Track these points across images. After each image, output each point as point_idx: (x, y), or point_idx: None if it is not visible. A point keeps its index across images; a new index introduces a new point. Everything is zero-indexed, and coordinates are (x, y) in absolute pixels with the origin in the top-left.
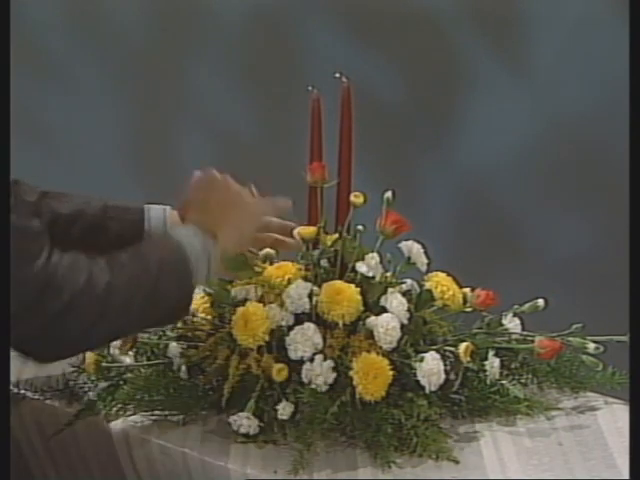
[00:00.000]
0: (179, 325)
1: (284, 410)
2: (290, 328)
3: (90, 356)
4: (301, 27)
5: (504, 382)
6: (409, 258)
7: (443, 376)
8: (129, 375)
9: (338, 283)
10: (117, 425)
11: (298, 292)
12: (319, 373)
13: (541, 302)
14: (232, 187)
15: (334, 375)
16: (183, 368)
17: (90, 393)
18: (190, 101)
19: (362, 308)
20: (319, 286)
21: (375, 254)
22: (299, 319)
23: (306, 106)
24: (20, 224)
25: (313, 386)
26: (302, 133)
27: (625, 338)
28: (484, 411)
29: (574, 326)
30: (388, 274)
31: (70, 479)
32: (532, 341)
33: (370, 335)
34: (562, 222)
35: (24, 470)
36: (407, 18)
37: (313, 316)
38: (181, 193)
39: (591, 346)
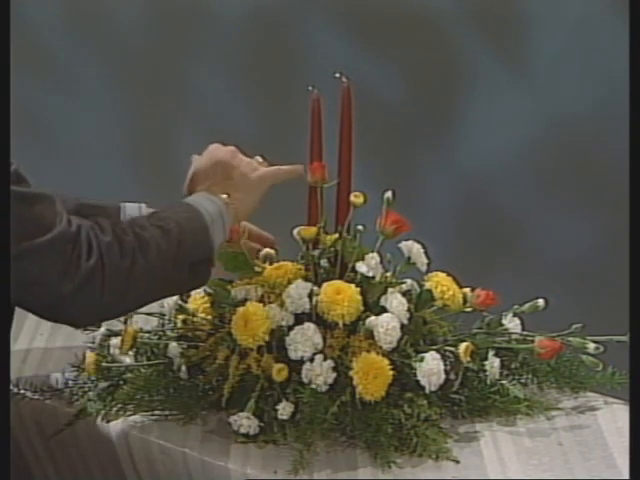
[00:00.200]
0: (179, 325)
1: (284, 410)
2: (290, 328)
3: (90, 356)
4: (301, 27)
5: (504, 382)
6: (409, 258)
7: (443, 376)
8: (129, 375)
9: (338, 283)
10: (117, 425)
11: (298, 292)
12: (319, 373)
13: (541, 302)
14: (237, 155)
15: (334, 375)
16: (183, 368)
17: (90, 393)
18: (190, 101)
19: (362, 308)
20: (319, 286)
21: (375, 254)
22: (299, 319)
23: (306, 106)
24: (31, 193)
25: (313, 386)
26: (302, 133)
27: (625, 338)
28: (484, 411)
29: (574, 326)
30: (388, 274)
31: (70, 479)
32: (532, 341)
33: (370, 335)
34: (562, 222)
35: (24, 470)
36: (407, 18)
37: (313, 316)
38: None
39: (591, 346)
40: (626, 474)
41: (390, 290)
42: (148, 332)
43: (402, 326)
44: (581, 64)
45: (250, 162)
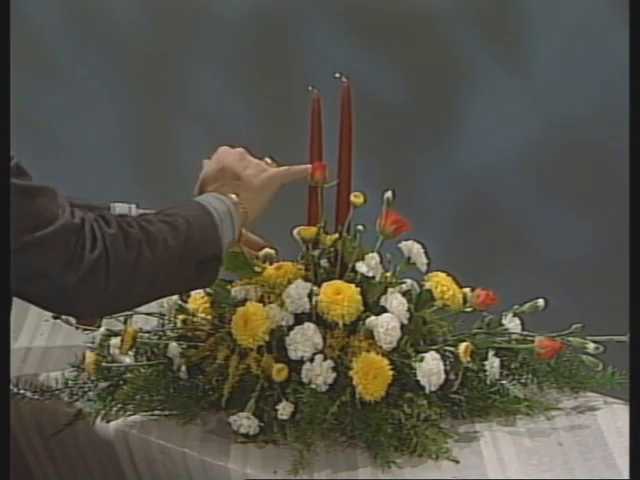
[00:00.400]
0: (179, 325)
1: (284, 410)
2: (290, 328)
3: (90, 356)
4: (301, 27)
5: (504, 382)
6: (409, 258)
7: (443, 376)
8: (129, 375)
9: (338, 283)
10: (117, 425)
11: (298, 292)
12: (319, 373)
13: (541, 302)
14: (246, 157)
15: (334, 375)
16: (183, 368)
17: (90, 393)
18: (190, 101)
19: (362, 308)
20: (319, 286)
21: (375, 254)
22: (299, 319)
23: (306, 106)
24: (33, 186)
25: (313, 386)
26: (302, 133)
27: (625, 338)
28: (484, 411)
29: (574, 326)
30: (388, 274)
31: (70, 479)
32: (532, 341)
33: (370, 335)
34: (562, 222)
35: (24, 470)
36: (407, 18)
37: (313, 316)
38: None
39: (591, 346)
40: (626, 474)
41: (390, 290)
42: (148, 332)
43: (402, 326)
44: (581, 64)
45: (259, 163)
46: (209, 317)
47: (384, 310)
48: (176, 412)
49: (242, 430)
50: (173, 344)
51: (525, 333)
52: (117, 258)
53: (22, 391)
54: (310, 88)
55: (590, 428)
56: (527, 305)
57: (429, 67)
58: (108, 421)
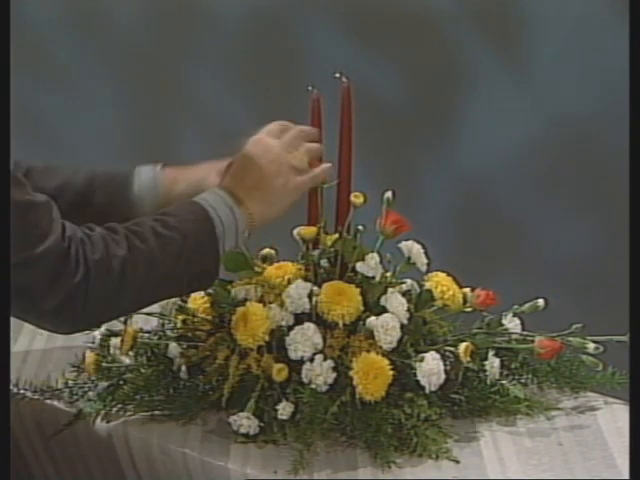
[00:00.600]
0: (179, 325)
1: (284, 410)
2: (290, 328)
3: (90, 356)
4: (301, 27)
5: (504, 382)
6: (409, 258)
7: (443, 376)
8: (129, 375)
9: (338, 283)
10: (117, 425)
11: (298, 292)
12: (319, 373)
13: (541, 302)
14: (283, 160)
15: (334, 375)
16: (183, 368)
17: (90, 393)
18: (190, 101)
19: (362, 308)
20: (319, 286)
21: (375, 254)
22: (299, 319)
23: (306, 106)
24: (26, 201)
25: (313, 386)
26: None
27: (625, 338)
28: (484, 411)
29: (574, 326)
30: (388, 274)
31: (70, 479)
32: (532, 341)
33: (370, 335)
34: (562, 222)
35: (24, 470)
36: (407, 18)
37: (313, 316)
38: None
39: (591, 346)
40: (626, 474)
41: (390, 290)
42: (148, 332)
43: (402, 326)
44: (581, 64)
45: (289, 171)
46: (209, 317)
47: (384, 310)
48: (176, 412)
49: (242, 430)
50: (173, 344)
51: (525, 333)
52: (98, 283)
53: (22, 391)
54: (310, 88)
55: (590, 428)
56: (527, 305)
57: (429, 67)
58: (108, 421)
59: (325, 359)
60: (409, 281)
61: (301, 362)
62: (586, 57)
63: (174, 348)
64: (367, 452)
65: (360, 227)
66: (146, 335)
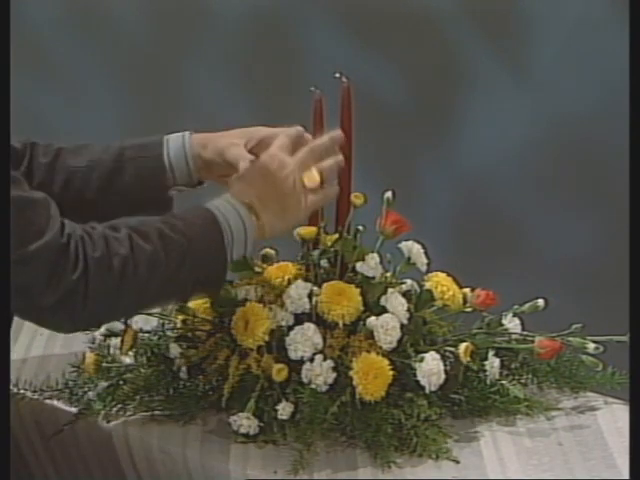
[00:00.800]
0: (179, 325)
1: (284, 410)
2: (290, 328)
3: (90, 356)
4: (301, 27)
5: (504, 382)
6: (409, 258)
7: (443, 376)
8: (129, 375)
9: (338, 283)
10: (117, 425)
11: (298, 292)
12: (319, 373)
13: (541, 302)
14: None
15: (334, 375)
16: (183, 368)
17: (90, 393)
18: (190, 101)
19: (362, 308)
20: (319, 286)
21: (375, 254)
22: (299, 319)
23: (306, 106)
24: (23, 198)
25: (313, 386)
26: None
27: (625, 338)
28: (484, 411)
29: (574, 326)
30: (388, 274)
31: (70, 479)
32: (532, 341)
33: (370, 335)
34: (562, 222)
35: (24, 470)
36: (407, 18)
37: (313, 316)
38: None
39: (591, 346)
40: (626, 474)
41: (390, 290)
42: (148, 332)
43: (402, 326)
44: (581, 64)
45: (298, 189)
46: (209, 317)
47: (384, 310)
48: (176, 412)
49: (242, 430)
50: (173, 344)
51: (525, 333)
52: (97, 280)
53: (22, 391)
54: (313, 89)
55: (590, 428)
56: (527, 305)
57: (429, 67)
58: (108, 421)
59: (325, 359)
60: (409, 281)
61: (301, 362)
62: (586, 57)
63: (174, 348)
64: (367, 452)
65: (360, 227)
66: (146, 335)
